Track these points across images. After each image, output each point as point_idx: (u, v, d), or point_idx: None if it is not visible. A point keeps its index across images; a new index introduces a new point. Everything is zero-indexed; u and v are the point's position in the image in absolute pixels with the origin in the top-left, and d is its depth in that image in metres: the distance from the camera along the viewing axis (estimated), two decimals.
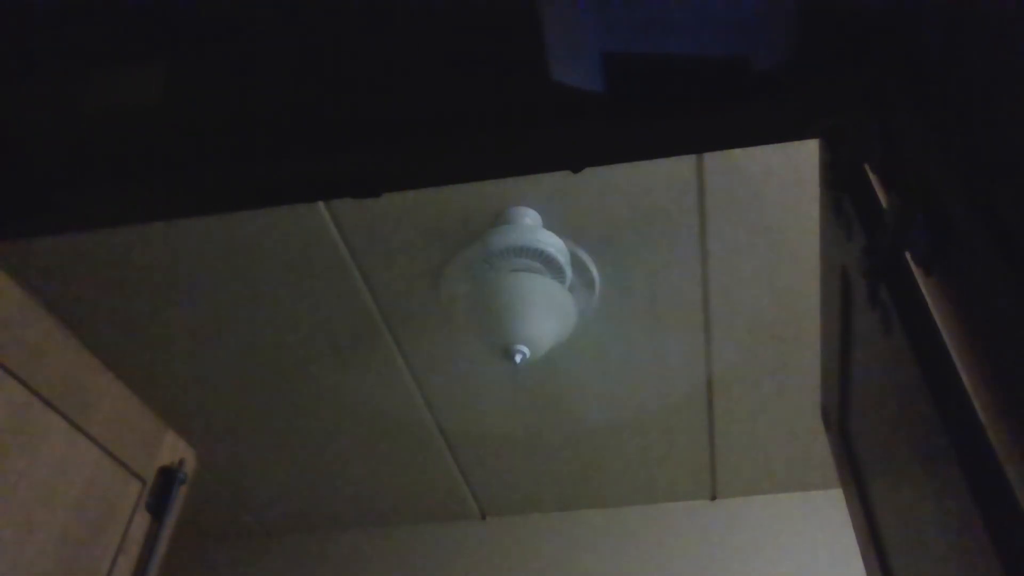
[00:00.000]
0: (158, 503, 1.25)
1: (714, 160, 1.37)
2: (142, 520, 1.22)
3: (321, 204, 1.45)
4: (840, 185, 0.79)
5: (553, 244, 1.46)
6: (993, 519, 0.48)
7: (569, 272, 1.50)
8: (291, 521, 2.31)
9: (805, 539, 2.03)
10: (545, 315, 1.43)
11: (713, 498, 2.18)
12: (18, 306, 1.04)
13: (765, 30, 0.73)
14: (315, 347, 1.72)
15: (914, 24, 0.66)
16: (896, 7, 0.69)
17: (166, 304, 1.62)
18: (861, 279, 0.73)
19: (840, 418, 0.99)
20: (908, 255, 0.65)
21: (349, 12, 0.86)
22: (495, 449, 2.03)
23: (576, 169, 0.90)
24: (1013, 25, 0.51)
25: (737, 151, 1.36)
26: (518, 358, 1.42)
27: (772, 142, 0.84)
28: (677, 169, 1.39)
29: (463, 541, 2.24)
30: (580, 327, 1.60)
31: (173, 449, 1.31)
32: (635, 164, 1.38)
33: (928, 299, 0.63)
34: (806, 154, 1.33)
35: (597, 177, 1.41)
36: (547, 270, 1.47)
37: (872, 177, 0.73)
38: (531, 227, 1.46)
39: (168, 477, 1.27)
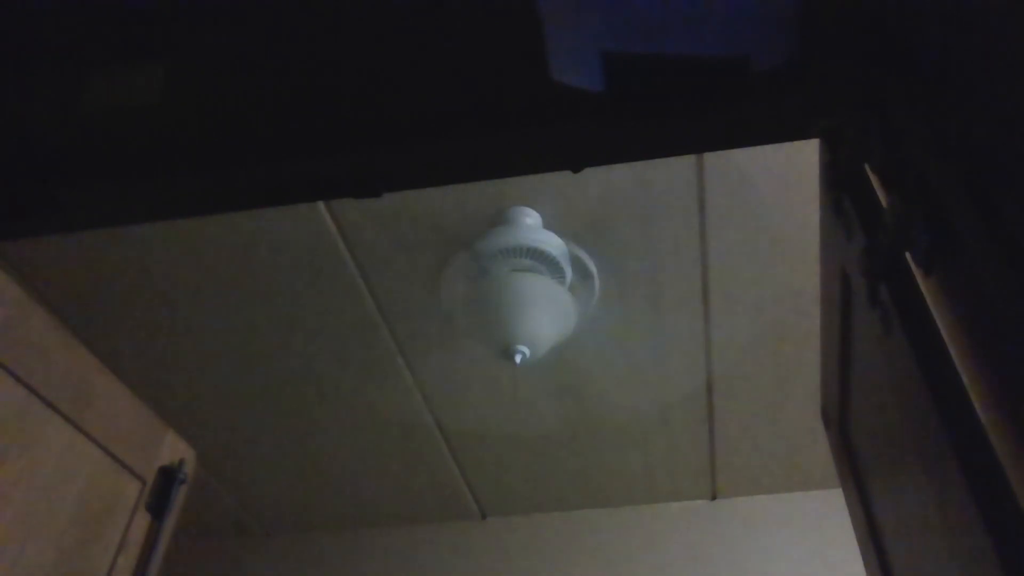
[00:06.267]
0: (158, 503, 1.25)
1: (714, 160, 1.37)
2: (142, 520, 1.22)
3: (321, 204, 1.45)
4: (840, 185, 0.79)
5: (553, 244, 1.46)
6: (993, 519, 0.48)
7: (569, 272, 1.50)
8: (291, 521, 2.31)
9: (805, 539, 2.03)
10: (545, 315, 1.43)
11: (713, 498, 2.18)
12: (18, 306, 1.04)
13: (765, 30, 0.73)
14: (315, 347, 1.72)
15: (913, 24, 0.66)
16: (895, 7, 0.69)
17: (166, 304, 1.62)
18: (861, 279, 0.73)
19: (840, 418, 0.99)
20: (908, 255, 0.65)
21: (349, 13, 0.86)
22: (495, 449, 2.03)
23: (576, 169, 0.90)
24: (1011, 25, 0.51)
25: (737, 151, 1.36)
26: (518, 358, 1.42)
27: (772, 142, 0.85)
28: (677, 169, 1.39)
29: (463, 541, 2.24)
30: (580, 327, 1.60)
31: (173, 449, 1.31)
32: (635, 164, 1.38)
33: (928, 299, 0.63)
34: (806, 154, 1.33)
35: (597, 177, 1.41)
36: (547, 270, 1.47)
37: (872, 177, 0.73)
38: (531, 227, 1.46)
39: (168, 477, 1.27)
